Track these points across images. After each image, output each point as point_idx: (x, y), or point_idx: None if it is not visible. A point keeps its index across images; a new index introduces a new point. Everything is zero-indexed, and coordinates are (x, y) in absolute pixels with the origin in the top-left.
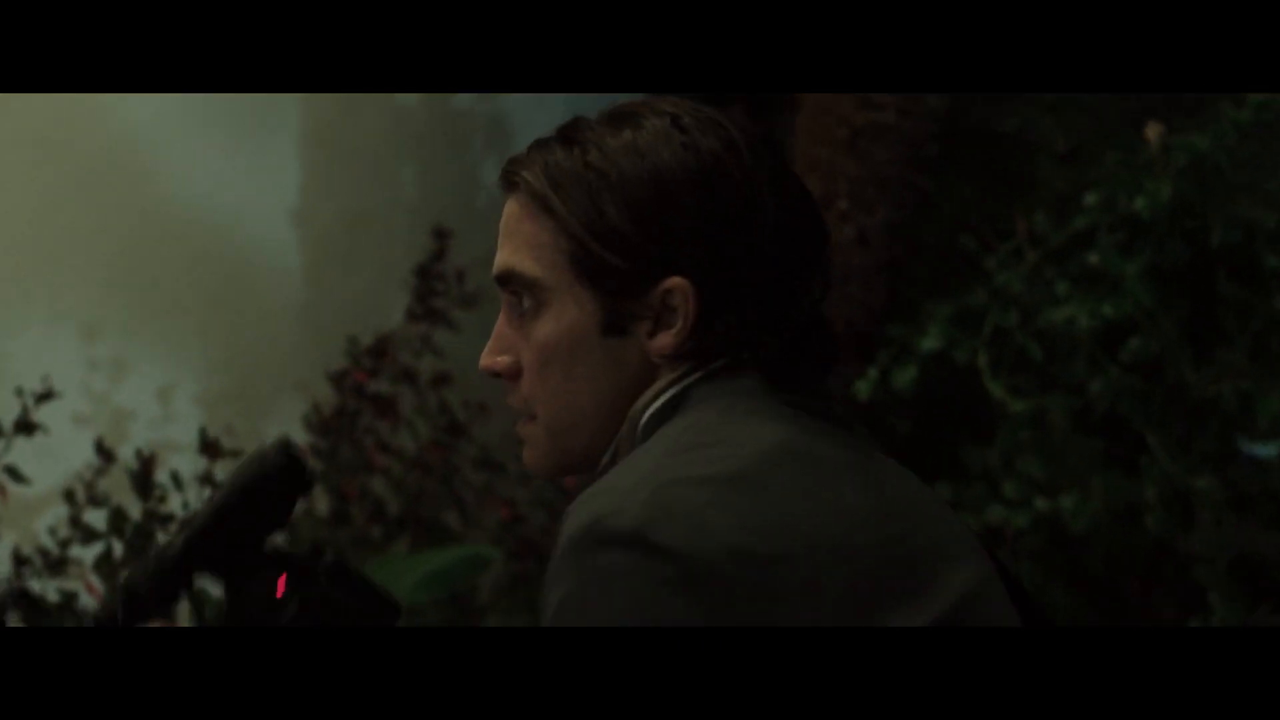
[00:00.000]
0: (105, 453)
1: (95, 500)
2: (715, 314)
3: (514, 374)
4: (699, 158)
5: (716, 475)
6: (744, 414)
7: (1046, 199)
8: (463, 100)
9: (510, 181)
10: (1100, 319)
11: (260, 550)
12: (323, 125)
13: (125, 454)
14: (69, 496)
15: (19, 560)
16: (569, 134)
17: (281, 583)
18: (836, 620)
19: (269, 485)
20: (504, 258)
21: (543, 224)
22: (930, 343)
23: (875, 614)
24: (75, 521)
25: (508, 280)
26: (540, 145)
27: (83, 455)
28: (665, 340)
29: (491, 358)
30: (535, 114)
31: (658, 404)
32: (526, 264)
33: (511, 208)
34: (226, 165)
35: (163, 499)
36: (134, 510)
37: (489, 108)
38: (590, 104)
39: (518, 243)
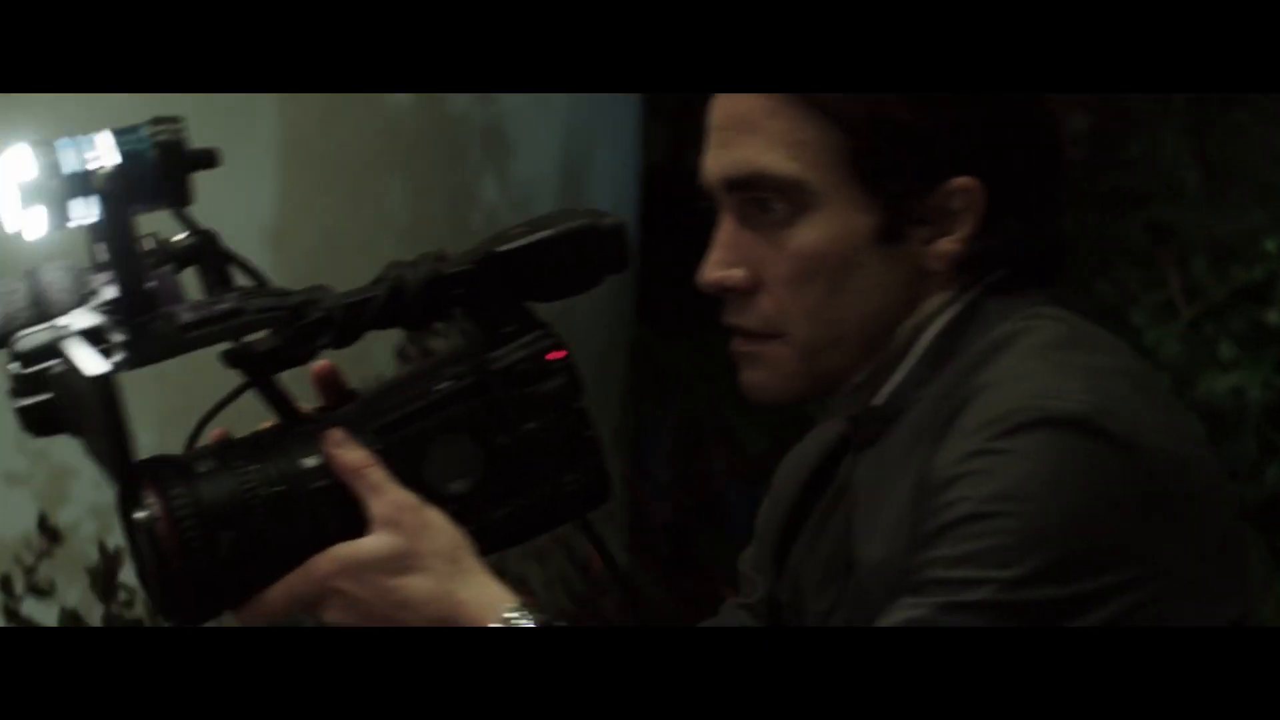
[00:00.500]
0: (50, 531)
1: (37, 589)
2: (997, 219)
3: (751, 288)
4: None
5: (1126, 370)
6: (1078, 323)
7: (1199, 241)
8: (457, 104)
9: None
10: (1275, 390)
11: (530, 311)
12: (301, 134)
13: (66, 516)
14: (4, 585)
15: None
16: None
17: (559, 355)
18: (1222, 530)
19: (593, 242)
20: (748, 156)
21: (803, 117)
22: None
23: (1235, 523)
24: (11, 613)
25: (753, 183)
26: None
27: (20, 522)
28: (947, 247)
29: (723, 270)
30: (536, 121)
31: (944, 319)
32: (783, 163)
33: (751, 100)
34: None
35: (128, 604)
36: (92, 614)
37: (486, 112)
38: (593, 107)
39: (767, 139)
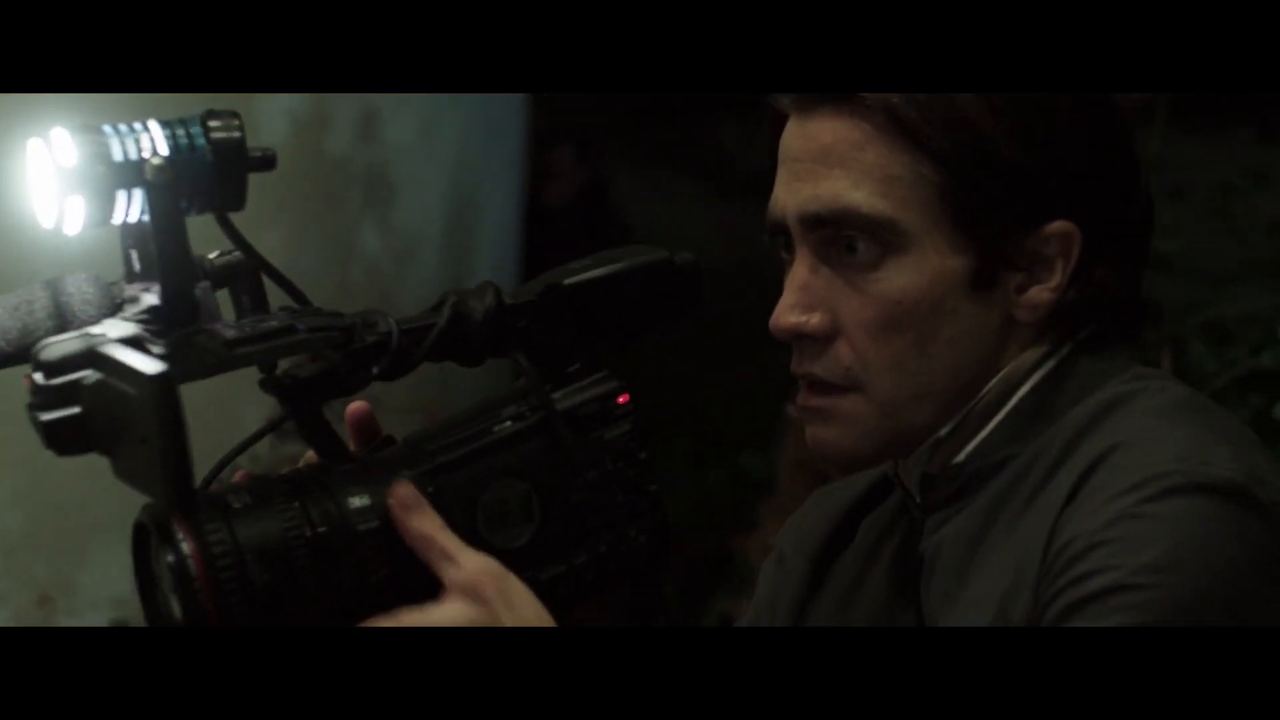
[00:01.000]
0: None
1: None
2: (1090, 268)
3: (829, 335)
4: None
5: (1252, 437)
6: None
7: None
8: (337, 145)
9: (840, 97)
10: None
11: (596, 351)
12: None
13: None
14: None
15: None
16: None
17: (625, 399)
18: None
19: (668, 278)
20: (834, 191)
21: (896, 151)
22: None
23: None
24: None
25: (838, 221)
26: None
27: None
28: (1041, 296)
29: (799, 315)
30: (422, 164)
31: (1039, 375)
32: (873, 200)
33: (841, 131)
34: (43, 231)
35: None
36: None
37: (368, 154)
38: (477, 147)
39: (856, 174)
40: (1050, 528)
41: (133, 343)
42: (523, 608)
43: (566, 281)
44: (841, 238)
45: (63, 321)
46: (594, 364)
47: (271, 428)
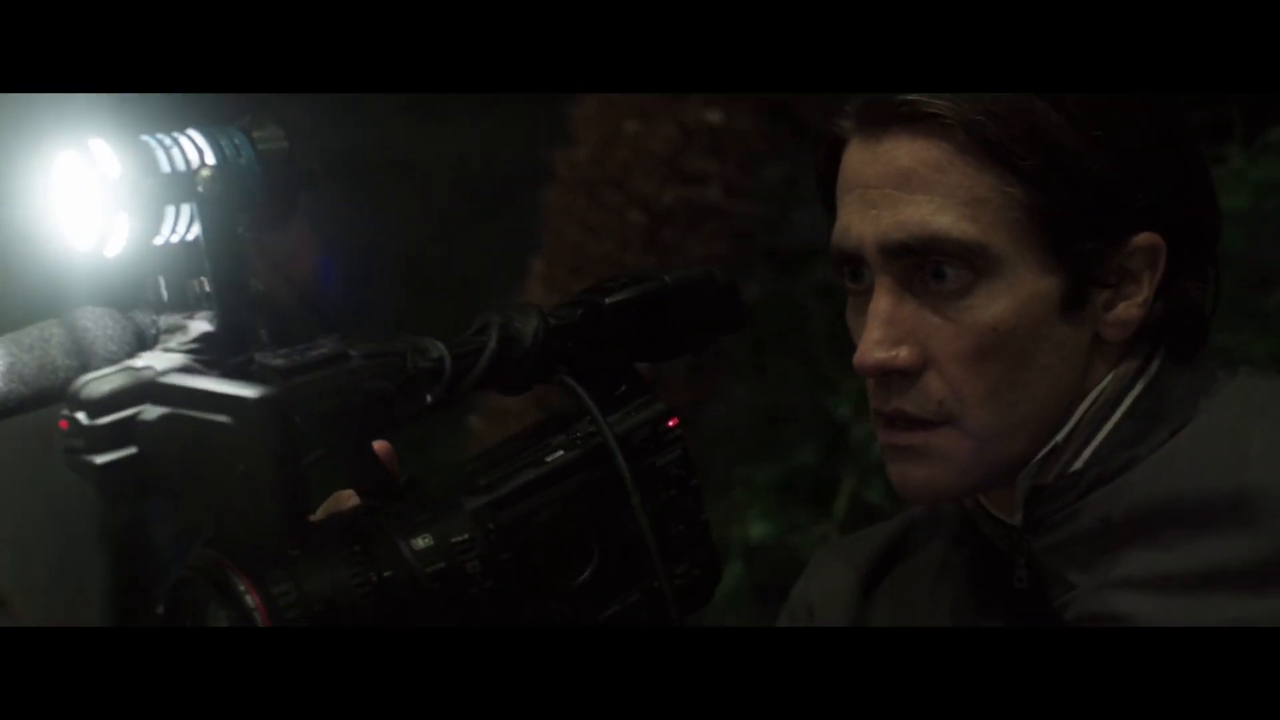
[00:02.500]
0: None
1: None
2: (1173, 280)
3: (920, 368)
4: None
5: None
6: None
7: None
8: None
9: (915, 115)
10: None
11: (639, 372)
12: None
13: None
14: None
15: None
16: None
17: (675, 422)
18: None
19: (709, 293)
20: (920, 217)
21: (981, 171)
22: None
23: None
24: None
25: (925, 248)
26: None
27: None
28: (1129, 312)
29: (888, 350)
30: None
31: (1141, 385)
32: (961, 225)
33: (919, 152)
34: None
35: None
36: None
37: None
38: None
39: (940, 198)
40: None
41: (197, 372)
42: None
43: (607, 301)
44: (928, 265)
45: (84, 359)
46: (638, 386)
47: (316, 461)
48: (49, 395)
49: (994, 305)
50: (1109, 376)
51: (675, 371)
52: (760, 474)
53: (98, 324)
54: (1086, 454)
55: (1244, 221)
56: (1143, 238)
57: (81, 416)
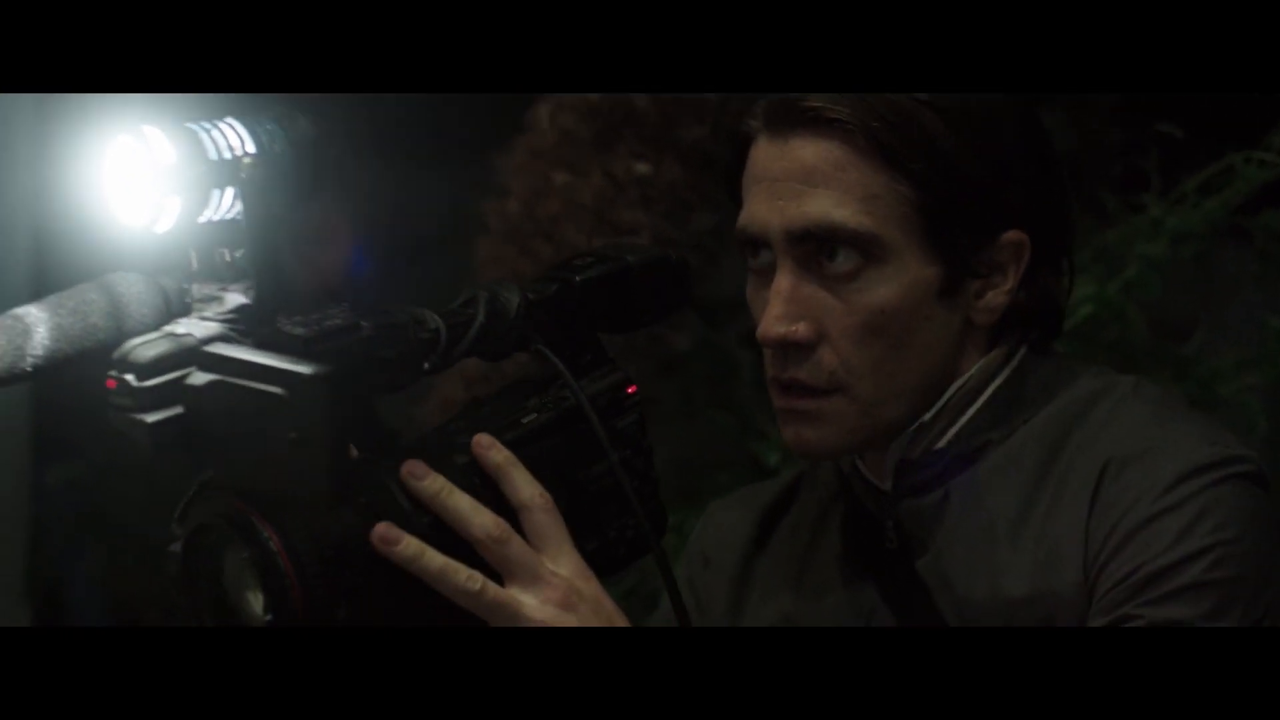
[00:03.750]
0: None
1: None
2: (1034, 273)
3: (815, 342)
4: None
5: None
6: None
7: None
8: None
9: (819, 119)
10: None
11: (601, 343)
12: None
13: None
14: None
15: None
16: None
17: (634, 389)
18: None
19: (666, 273)
20: (822, 209)
21: (875, 170)
22: None
23: None
24: None
25: (825, 236)
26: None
27: None
28: (996, 300)
29: (788, 324)
30: None
31: (1010, 368)
32: (859, 217)
33: (823, 152)
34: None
35: None
36: None
37: None
38: None
39: (840, 193)
40: (1088, 508)
41: (236, 341)
42: (613, 615)
43: (578, 279)
44: (825, 250)
45: (119, 322)
46: (602, 356)
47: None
48: (89, 355)
49: (882, 289)
50: (978, 364)
51: None
52: (690, 522)
53: (131, 289)
54: (950, 434)
55: (1161, 269)
56: (1010, 234)
57: (130, 378)
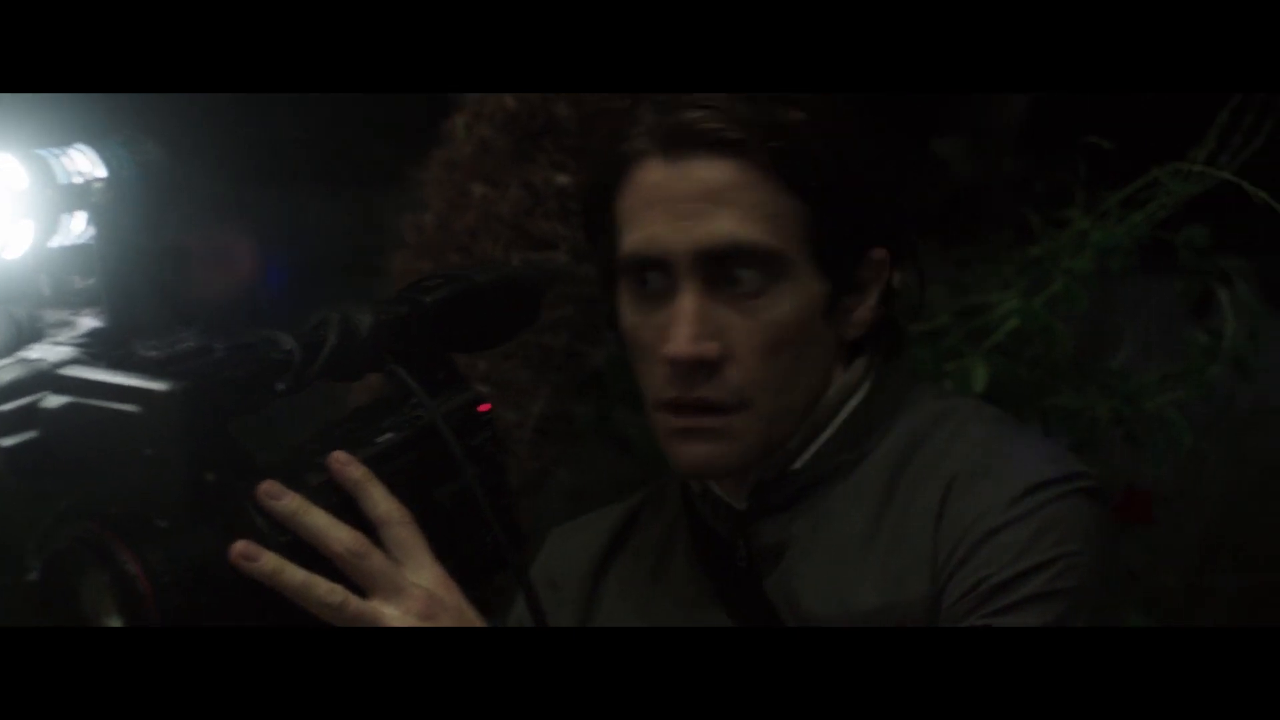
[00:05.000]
0: None
1: None
2: (889, 290)
3: (722, 360)
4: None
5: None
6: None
7: None
8: None
9: (721, 140)
10: None
11: (453, 362)
12: None
13: None
14: None
15: None
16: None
17: (486, 407)
18: None
19: (515, 292)
20: (727, 229)
21: (775, 189)
22: None
23: None
24: None
25: (731, 255)
26: (741, 101)
27: None
28: (864, 315)
29: (701, 344)
30: None
31: (860, 394)
32: (765, 236)
33: (726, 173)
34: None
35: None
36: None
37: None
38: None
39: (744, 212)
40: (935, 522)
41: (88, 364)
42: (475, 622)
43: (428, 299)
44: (728, 269)
45: None
46: (454, 375)
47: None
48: None
49: (783, 305)
50: (838, 382)
51: (524, 439)
52: None
53: None
54: (807, 455)
55: (1087, 284)
56: (878, 251)
57: None
